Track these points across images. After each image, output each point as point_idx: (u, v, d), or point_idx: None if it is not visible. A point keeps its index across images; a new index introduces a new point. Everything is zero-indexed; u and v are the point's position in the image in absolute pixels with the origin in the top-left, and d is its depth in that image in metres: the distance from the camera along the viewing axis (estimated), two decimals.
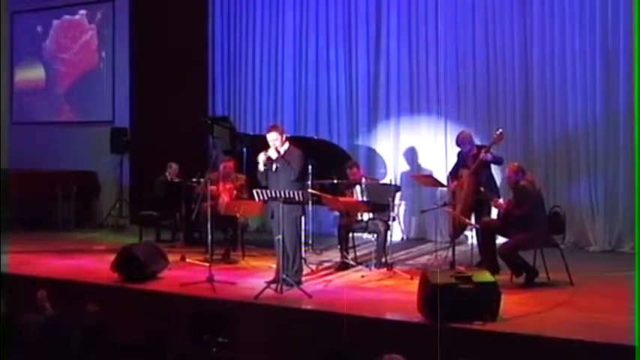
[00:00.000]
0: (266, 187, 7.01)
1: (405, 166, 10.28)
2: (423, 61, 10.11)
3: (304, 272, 7.42)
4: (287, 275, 6.93)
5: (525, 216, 7.01)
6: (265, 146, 7.12)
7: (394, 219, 8.28)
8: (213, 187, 8.37)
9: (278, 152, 7.05)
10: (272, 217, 7.27)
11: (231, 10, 11.54)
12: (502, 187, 8.10)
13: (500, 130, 7.97)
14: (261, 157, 7.04)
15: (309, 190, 7.99)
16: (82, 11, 12.88)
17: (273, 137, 7.07)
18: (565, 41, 9.25)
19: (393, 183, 9.14)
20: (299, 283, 7.01)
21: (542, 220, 7.10)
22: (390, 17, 10.33)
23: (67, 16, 13.08)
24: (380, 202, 7.95)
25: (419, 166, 10.15)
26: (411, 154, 10.23)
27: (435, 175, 8.99)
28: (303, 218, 7.50)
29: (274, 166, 7.06)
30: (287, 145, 7.15)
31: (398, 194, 8.17)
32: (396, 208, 8.27)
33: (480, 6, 9.74)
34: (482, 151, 7.75)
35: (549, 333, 5.48)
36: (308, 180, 8.13)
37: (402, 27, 10.26)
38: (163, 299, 6.92)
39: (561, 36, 9.27)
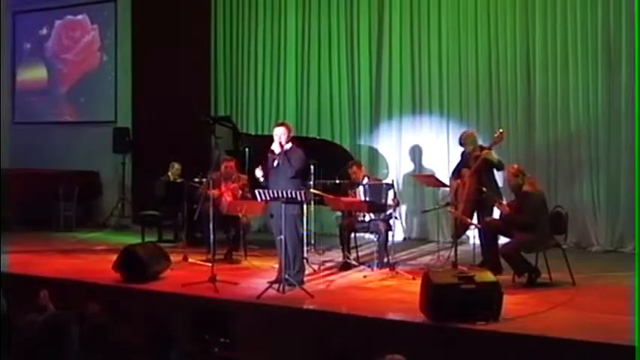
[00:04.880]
0: (267, 187, 7.01)
1: (407, 166, 10.27)
2: (425, 60, 10.11)
3: (306, 272, 7.41)
4: (289, 275, 6.93)
5: (528, 221, 7.00)
6: (267, 146, 7.13)
7: (396, 218, 8.27)
8: (216, 188, 8.38)
9: (281, 147, 7.05)
10: (271, 217, 7.28)
11: (234, 10, 11.53)
12: (503, 188, 8.10)
13: (501, 130, 7.95)
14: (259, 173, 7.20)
15: (311, 190, 7.99)
16: (84, 11, 12.89)
17: (279, 131, 7.09)
18: (567, 41, 9.23)
19: (389, 182, 9.10)
20: (301, 283, 7.00)
21: (545, 222, 7.08)
22: (392, 16, 10.31)
23: (69, 17, 13.08)
24: (381, 202, 7.94)
25: (421, 165, 10.15)
26: (413, 154, 10.22)
27: (437, 175, 8.99)
28: (304, 218, 7.50)
29: (275, 162, 7.07)
30: (290, 144, 7.15)
31: (390, 192, 8.12)
32: (395, 208, 8.23)
33: (482, 5, 9.73)
34: (485, 150, 7.73)
35: (551, 333, 5.47)
36: (310, 180, 8.12)
37: (403, 26, 10.24)
38: (165, 299, 6.93)
39: (563, 35, 9.26)
